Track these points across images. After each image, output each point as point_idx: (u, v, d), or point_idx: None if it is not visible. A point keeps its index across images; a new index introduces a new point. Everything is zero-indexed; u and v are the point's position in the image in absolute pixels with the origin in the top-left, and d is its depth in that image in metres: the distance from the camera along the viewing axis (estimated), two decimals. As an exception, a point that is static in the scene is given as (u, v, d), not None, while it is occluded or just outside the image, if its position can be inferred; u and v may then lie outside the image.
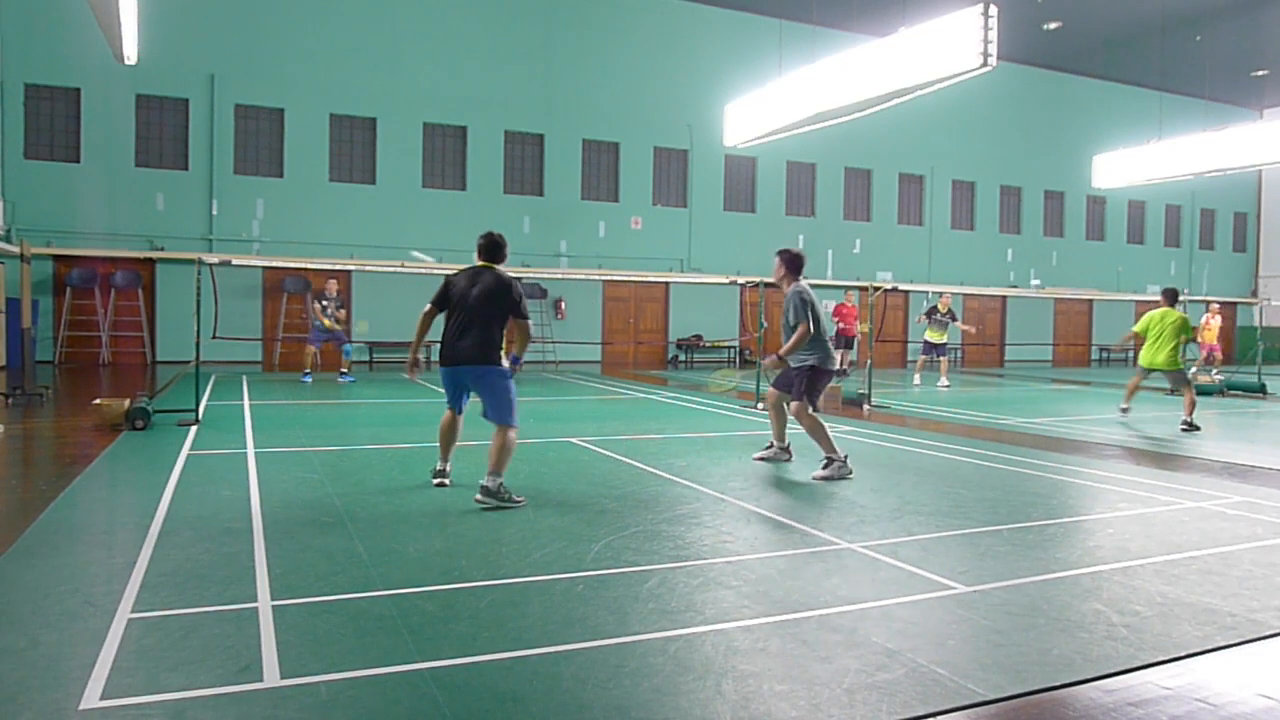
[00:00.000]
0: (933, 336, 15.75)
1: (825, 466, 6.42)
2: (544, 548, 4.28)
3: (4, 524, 4.63)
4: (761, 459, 7.12)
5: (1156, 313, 10.37)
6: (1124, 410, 11.09)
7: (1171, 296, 10.51)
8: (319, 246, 18.72)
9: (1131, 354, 27.76)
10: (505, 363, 5.72)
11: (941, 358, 15.97)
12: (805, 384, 6.62)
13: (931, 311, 15.77)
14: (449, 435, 5.92)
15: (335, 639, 3.05)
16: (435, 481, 5.88)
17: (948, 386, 15.62)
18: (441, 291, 5.74)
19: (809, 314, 6.55)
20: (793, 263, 6.90)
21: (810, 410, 6.62)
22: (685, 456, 7.22)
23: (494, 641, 3.03)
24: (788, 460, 7.06)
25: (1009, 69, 24.58)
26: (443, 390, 5.92)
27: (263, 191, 18.64)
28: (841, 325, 17.93)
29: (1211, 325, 19.26)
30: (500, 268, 5.84)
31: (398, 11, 19.58)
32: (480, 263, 5.83)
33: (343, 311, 14.77)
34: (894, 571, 3.99)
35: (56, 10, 16.76)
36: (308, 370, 14.62)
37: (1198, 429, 9.46)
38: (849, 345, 17.86)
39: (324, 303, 14.18)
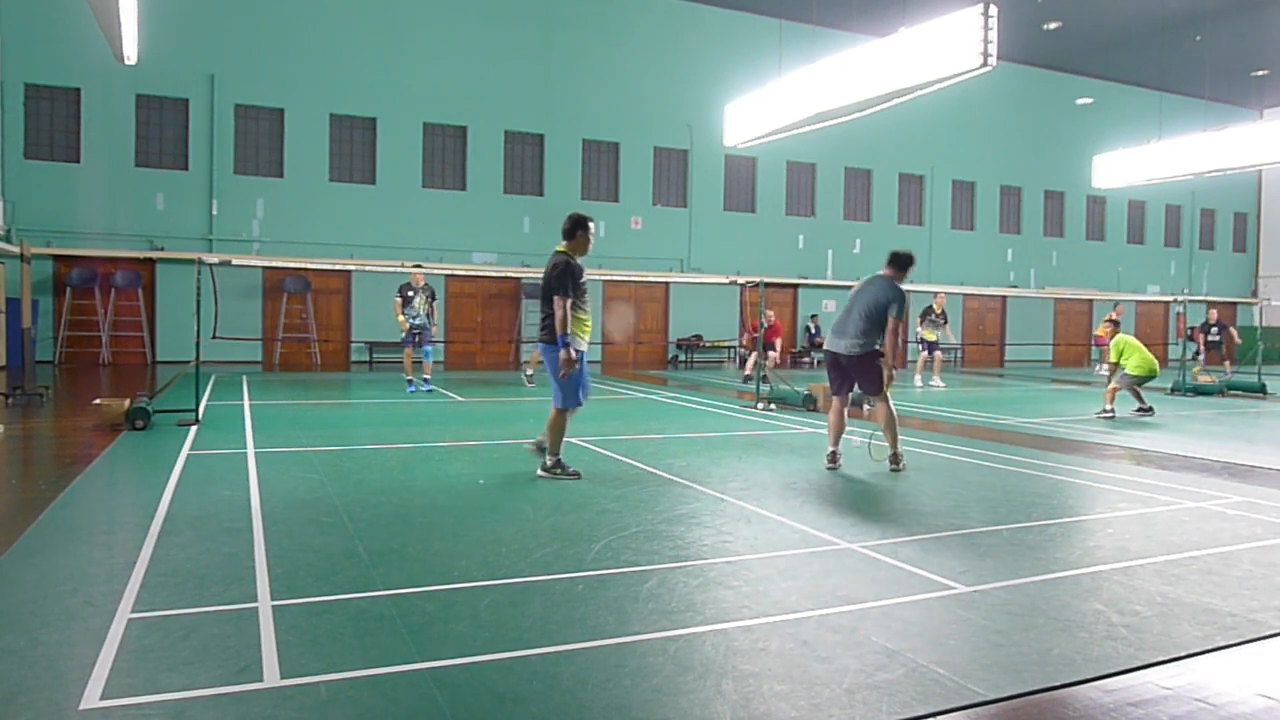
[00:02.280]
0: (927, 335, 16.10)
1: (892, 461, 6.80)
2: (544, 548, 4.28)
3: (4, 524, 4.63)
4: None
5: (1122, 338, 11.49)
6: (1118, 411, 11.07)
7: (1115, 325, 11.80)
8: (319, 246, 18.73)
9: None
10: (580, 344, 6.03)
11: (936, 353, 16.22)
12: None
13: (927, 312, 16.10)
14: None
15: (335, 639, 3.04)
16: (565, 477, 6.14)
17: (943, 387, 15.74)
18: None
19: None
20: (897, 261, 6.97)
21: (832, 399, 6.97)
22: (685, 456, 7.21)
23: (494, 641, 3.03)
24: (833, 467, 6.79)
25: (1009, 69, 24.59)
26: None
27: (263, 191, 18.65)
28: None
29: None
30: (568, 246, 6.13)
31: (398, 11, 19.59)
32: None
33: (432, 304, 12.83)
34: (894, 571, 3.98)
35: (56, 10, 16.77)
36: (409, 378, 12.97)
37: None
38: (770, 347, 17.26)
39: (409, 294, 12.55)
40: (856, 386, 6.90)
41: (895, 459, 6.72)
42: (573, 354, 5.90)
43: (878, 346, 6.73)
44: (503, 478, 6.14)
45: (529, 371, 14.51)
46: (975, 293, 25.44)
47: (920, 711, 2.57)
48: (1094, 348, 21.16)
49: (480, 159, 20.41)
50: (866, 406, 11.36)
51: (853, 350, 6.69)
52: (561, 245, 6.15)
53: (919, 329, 16.29)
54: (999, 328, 26.53)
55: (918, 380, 16.10)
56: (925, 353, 16.26)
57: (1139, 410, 11.18)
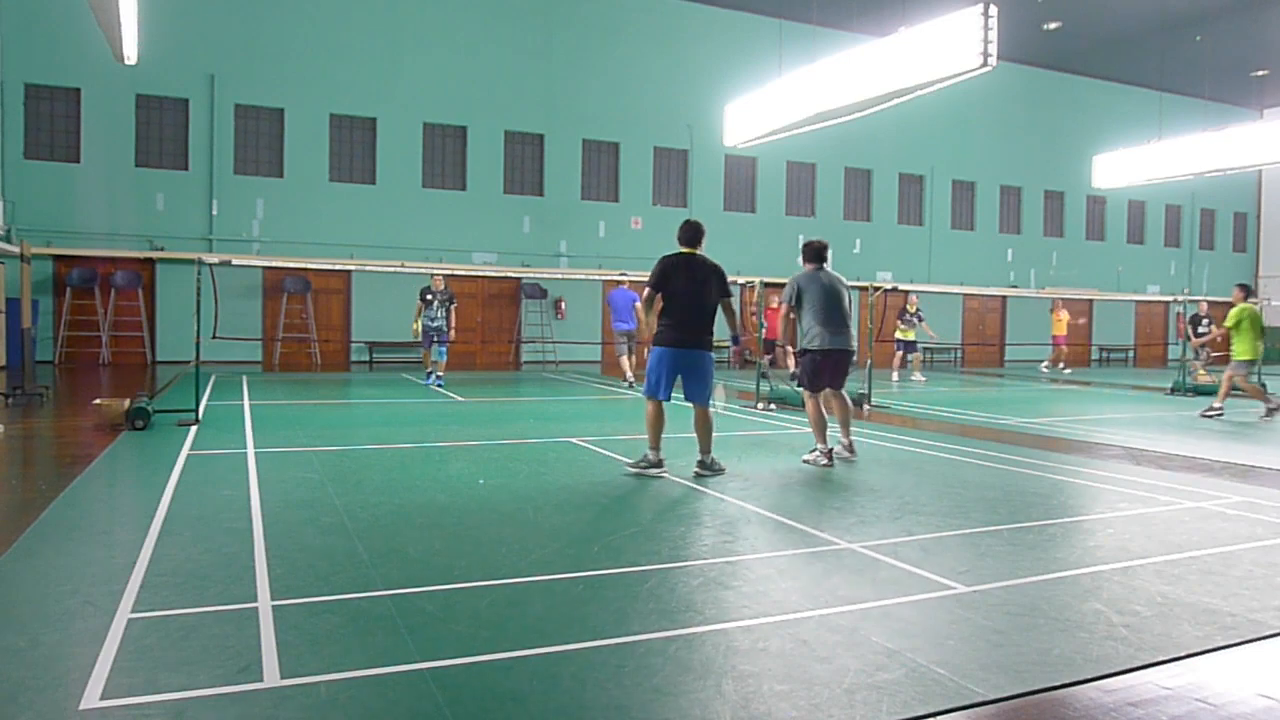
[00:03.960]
0: (903, 335, 16.97)
1: (810, 452, 7.03)
2: (544, 548, 4.28)
3: (4, 524, 4.63)
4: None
5: (1245, 307, 10.96)
6: (1219, 411, 10.65)
7: (1246, 290, 11.24)
8: (319, 246, 18.72)
9: (1133, 354, 27.84)
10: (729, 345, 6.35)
11: (913, 354, 17.16)
12: (799, 369, 7.22)
13: (901, 312, 16.97)
14: (660, 423, 6.40)
15: (335, 639, 3.05)
16: (654, 473, 6.25)
17: (923, 381, 16.57)
18: (661, 276, 6.31)
19: (790, 295, 7.10)
20: (805, 251, 7.40)
21: (807, 394, 7.17)
22: (685, 456, 7.21)
23: (494, 641, 3.03)
24: (828, 465, 6.87)
25: (1009, 69, 24.57)
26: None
27: (263, 191, 18.65)
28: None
29: (1061, 318, 20.03)
30: (693, 250, 6.47)
31: (398, 11, 19.59)
32: (686, 249, 6.43)
33: (454, 306, 13.53)
34: (894, 571, 3.98)
35: (56, 10, 16.77)
36: (429, 372, 13.68)
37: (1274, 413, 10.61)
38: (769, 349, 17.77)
39: (428, 297, 13.25)
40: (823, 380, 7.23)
41: (851, 447, 7.21)
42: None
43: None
44: (503, 478, 6.14)
45: (630, 377, 14.36)
46: (975, 293, 25.42)
47: (920, 711, 2.57)
48: (1055, 347, 21.23)
49: (480, 159, 20.40)
50: (868, 407, 11.41)
51: (852, 346, 7.14)
52: (686, 249, 6.42)
53: (897, 329, 17.06)
54: (999, 328, 26.52)
55: (895, 376, 16.81)
56: (900, 352, 17.04)
57: (1235, 408, 10.86)
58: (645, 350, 7.27)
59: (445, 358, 13.68)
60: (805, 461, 6.97)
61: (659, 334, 6.33)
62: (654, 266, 6.44)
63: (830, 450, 6.92)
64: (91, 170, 17.50)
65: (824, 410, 7.15)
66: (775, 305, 18.02)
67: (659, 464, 6.34)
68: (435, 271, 14.13)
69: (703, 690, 2.68)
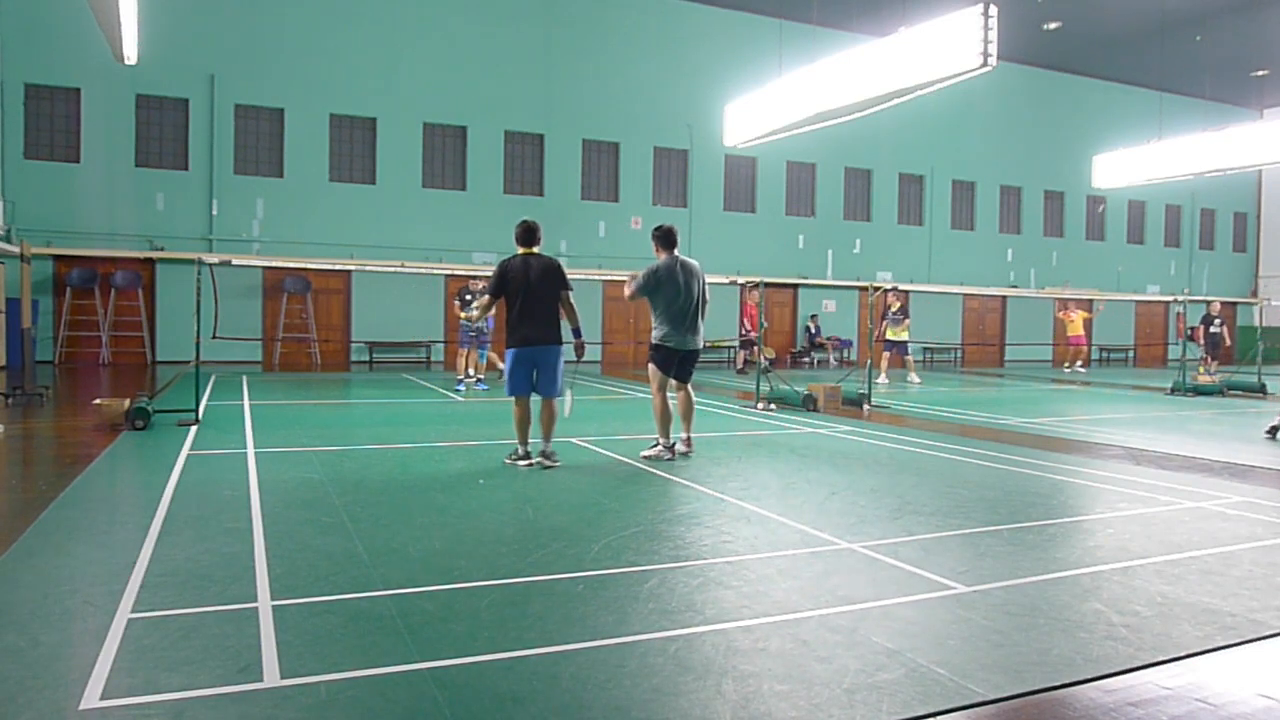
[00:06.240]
0: (891, 334, 16.31)
1: (652, 447, 7.11)
2: (544, 548, 4.28)
3: (4, 524, 4.63)
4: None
5: None
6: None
7: None
8: (319, 246, 18.72)
9: (1133, 354, 27.83)
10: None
11: (906, 355, 16.48)
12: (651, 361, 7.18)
13: (884, 311, 16.31)
14: (528, 421, 6.66)
15: (335, 639, 3.05)
16: (524, 465, 6.52)
17: (919, 383, 16.11)
18: (499, 282, 6.54)
19: (646, 286, 6.97)
20: (663, 238, 7.19)
21: (656, 389, 7.12)
22: (685, 457, 7.21)
23: (494, 641, 3.03)
24: (670, 459, 7.02)
25: (1009, 69, 24.57)
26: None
27: (263, 191, 18.64)
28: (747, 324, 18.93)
29: (1074, 318, 19.82)
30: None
31: (398, 11, 19.59)
32: (524, 250, 6.63)
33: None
34: (894, 571, 3.98)
35: (56, 10, 16.76)
36: (460, 378, 13.36)
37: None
38: (749, 345, 18.57)
39: (468, 296, 13.05)
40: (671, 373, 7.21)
41: (673, 448, 7.08)
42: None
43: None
44: (503, 478, 6.14)
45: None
46: (975, 293, 25.43)
47: (920, 711, 2.57)
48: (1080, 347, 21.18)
49: (480, 159, 20.40)
50: (867, 407, 11.41)
51: (702, 345, 7.22)
52: (524, 250, 6.65)
53: (886, 330, 16.32)
54: (999, 328, 26.52)
55: (880, 378, 15.54)
56: (889, 352, 16.20)
57: None
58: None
59: (485, 359, 13.67)
60: (646, 456, 7.03)
61: (509, 336, 6.54)
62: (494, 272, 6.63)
63: (673, 445, 7.07)
64: (91, 170, 17.50)
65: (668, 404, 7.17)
66: (750, 302, 18.26)
67: (527, 457, 6.59)
68: (475, 274, 14.14)
69: (703, 690, 2.68)
